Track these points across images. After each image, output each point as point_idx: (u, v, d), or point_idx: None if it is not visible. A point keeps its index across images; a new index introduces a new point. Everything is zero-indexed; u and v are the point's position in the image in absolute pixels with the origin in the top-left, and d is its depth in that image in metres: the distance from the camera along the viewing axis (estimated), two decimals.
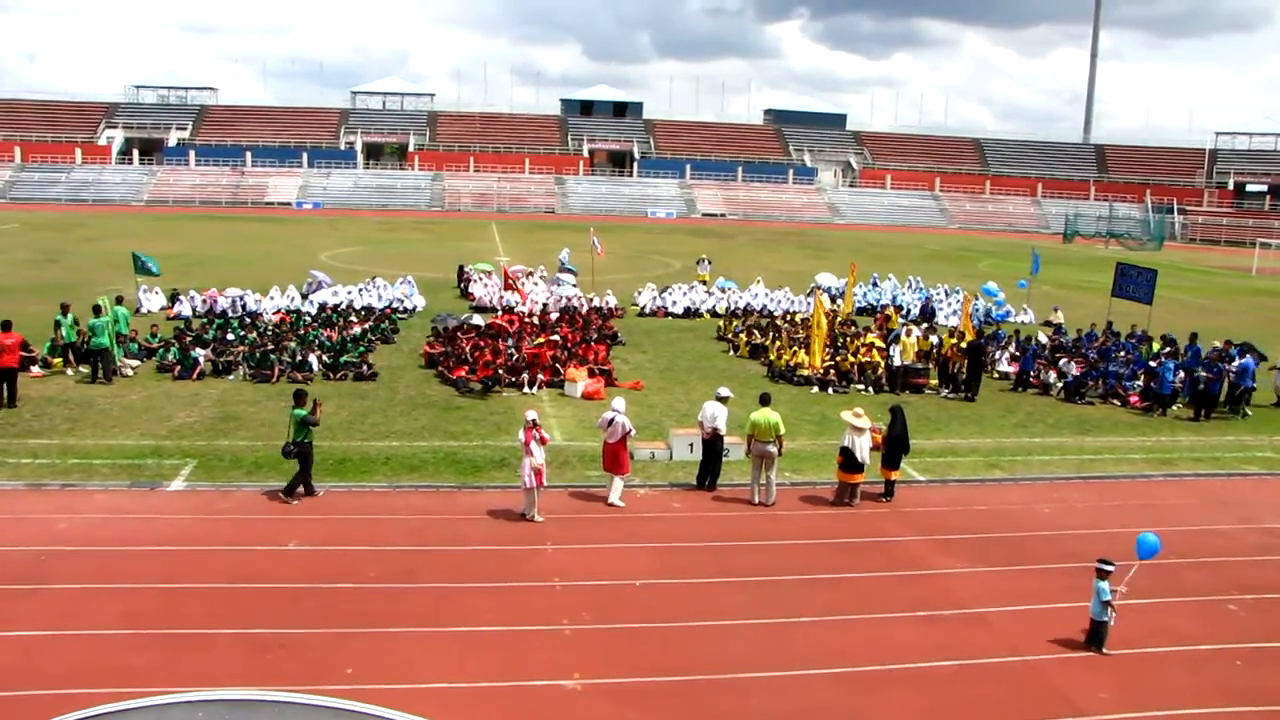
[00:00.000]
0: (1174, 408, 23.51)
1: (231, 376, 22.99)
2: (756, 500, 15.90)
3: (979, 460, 19.01)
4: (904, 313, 35.91)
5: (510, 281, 34.35)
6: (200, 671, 10.11)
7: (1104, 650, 11.25)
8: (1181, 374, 23.78)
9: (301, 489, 15.30)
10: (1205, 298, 48.94)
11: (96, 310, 22.55)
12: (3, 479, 15.73)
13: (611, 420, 15.62)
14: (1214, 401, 23.46)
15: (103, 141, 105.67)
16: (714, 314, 34.85)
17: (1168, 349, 26.61)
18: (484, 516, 14.85)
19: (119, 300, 24.73)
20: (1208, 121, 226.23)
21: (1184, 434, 21.76)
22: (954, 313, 35.77)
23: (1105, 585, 11.29)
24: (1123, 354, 26.99)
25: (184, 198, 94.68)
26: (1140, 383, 24.42)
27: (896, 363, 24.94)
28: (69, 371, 22.86)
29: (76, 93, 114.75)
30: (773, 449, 15.77)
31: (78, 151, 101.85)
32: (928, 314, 36.07)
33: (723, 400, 16.67)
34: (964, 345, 24.67)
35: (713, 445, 16.41)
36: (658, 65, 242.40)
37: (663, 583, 12.82)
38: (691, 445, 17.09)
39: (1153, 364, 24.45)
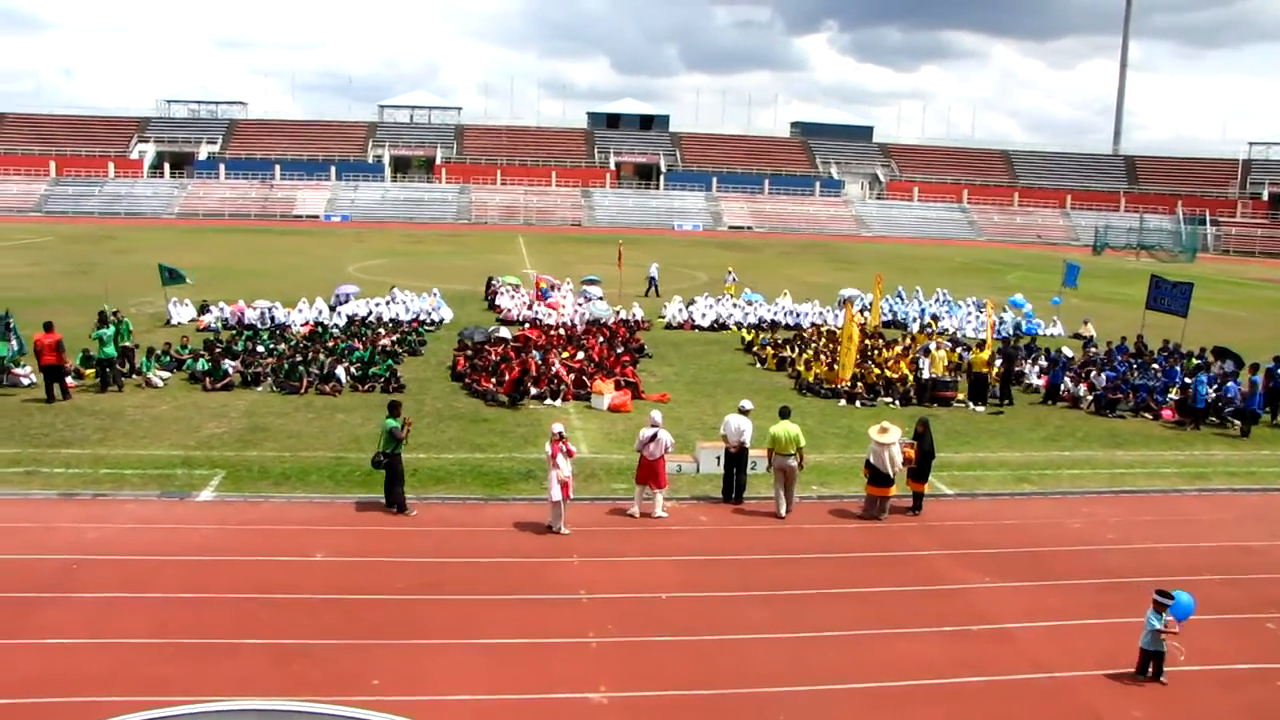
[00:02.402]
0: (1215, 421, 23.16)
1: (260, 388, 23.15)
2: (783, 513, 15.84)
3: (1008, 474, 18.83)
4: (934, 326, 35.75)
5: (540, 293, 34.31)
6: (227, 681, 10.16)
7: (1162, 680, 10.79)
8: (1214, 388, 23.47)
9: (394, 502, 15.36)
10: (1241, 310, 48.32)
11: (102, 320, 22.74)
12: (36, 488, 15.92)
13: (654, 436, 15.46)
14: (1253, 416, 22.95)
15: (135, 155, 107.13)
16: (740, 326, 34.74)
17: (1199, 362, 26.31)
18: (510, 528, 14.86)
19: (103, 317, 24.80)
20: (1241, 132, 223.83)
21: (1218, 448, 21.44)
22: (982, 325, 35.56)
23: (1159, 617, 10.75)
24: (1155, 367, 26.69)
25: (214, 210, 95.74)
26: (1174, 396, 24.14)
27: (925, 375, 24.80)
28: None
29: (109, 107, 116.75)
30: (793, 462, 15.70)
31: (110, 165, 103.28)
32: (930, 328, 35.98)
33: (745, 413, 16.60)
34: (989, 356, 24.43)
35: (738, 458, 16.35)
36: (685, 78, 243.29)
37: (689, 596, 12.77)
38: (719, 458, 17.03)
39: (1188, 379, 24.10)
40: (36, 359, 21.61)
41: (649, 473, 15.52)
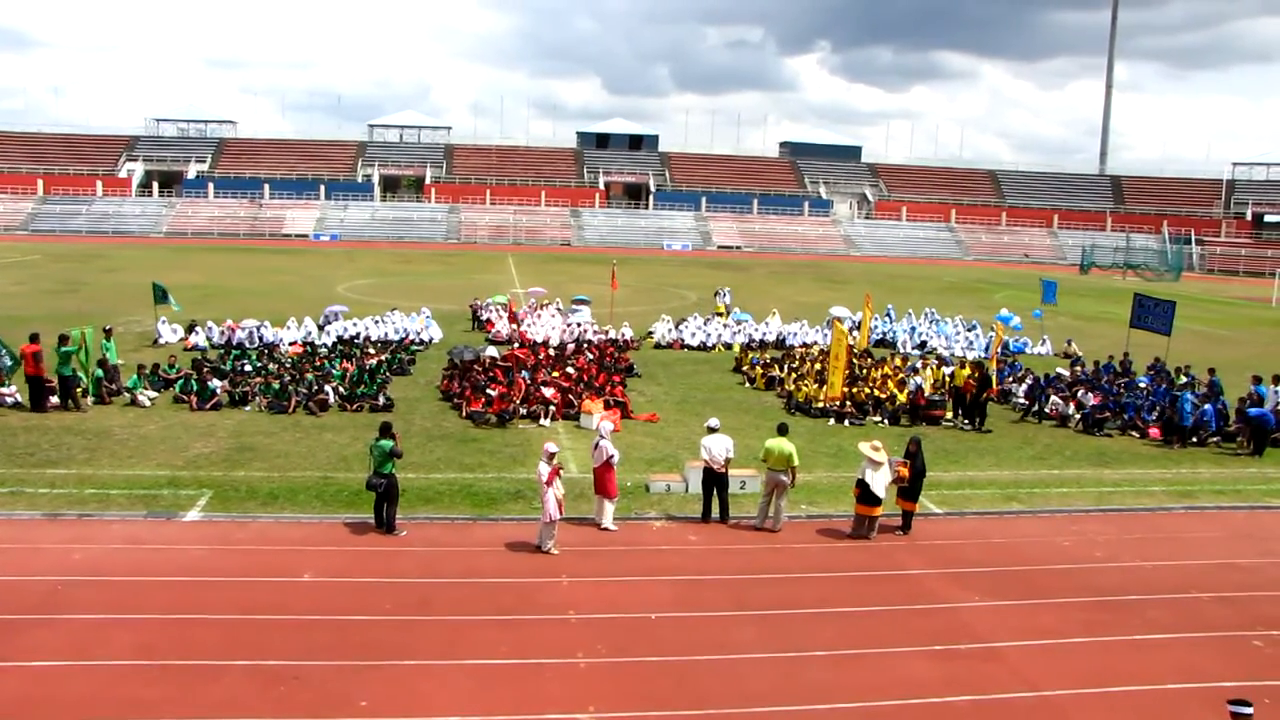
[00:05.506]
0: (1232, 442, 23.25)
1: (248, 408, 23.06)
2: (763, 525, 15.88)
3: (996, 493, 18.86)
4: (923, 346, 35.92)
5: (513, 315, 34.39)
6: (213, 703, 10.07)
7: None
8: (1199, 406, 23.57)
9: (385, 523, 15.28)
10: (1225, 329, 48.63)
11: (63, 340, 22.68)
12: (20, 508, 15.81)
13: (597, 445, 15.75)
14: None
15: (123, 174, 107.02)
16: (728, 346, 34.75)
17: (1185, 380, 26.44)
18: (499, 549, 14.80)
19: (108, 333, 24.76)
20: (1225, 152, 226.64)
21: (1205, 466, 21.53)
22: (970, 345, 35.65)
23: None
24: (1143, 385, 26.81)
25: (202, 229, 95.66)
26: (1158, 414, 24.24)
27: (922, 385, 24.95)
28: (88, 400, 22.90)
29: (98, 126, 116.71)
30: (785, 478, 15.74)
31: (98, 184, 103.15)
32: (921, 346, 36.18)
33: (713, 430, 16.55)
34: (974, 375, 24.43)
35: (721, 478, 16.28)
36: (676, 98, 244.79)
37: (678, 616, 12.73)
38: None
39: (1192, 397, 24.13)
40: (24, 368, 21.97)
41: (600, 482, 15.72)
